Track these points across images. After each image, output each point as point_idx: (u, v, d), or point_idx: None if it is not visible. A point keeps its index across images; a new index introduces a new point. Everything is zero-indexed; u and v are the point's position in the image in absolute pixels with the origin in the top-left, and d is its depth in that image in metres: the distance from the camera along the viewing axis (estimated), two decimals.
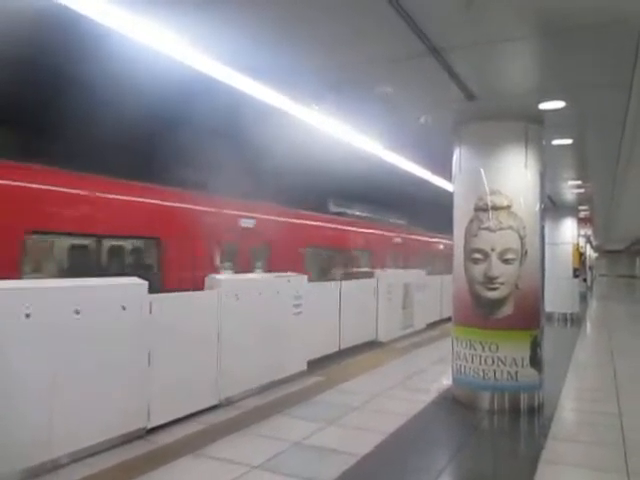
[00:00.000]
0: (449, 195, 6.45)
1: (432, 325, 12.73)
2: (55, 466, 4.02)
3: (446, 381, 6.64)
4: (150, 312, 4.89)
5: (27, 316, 3.87)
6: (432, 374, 7.65)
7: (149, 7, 3.59)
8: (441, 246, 20.55)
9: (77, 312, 4.23)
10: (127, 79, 6.13)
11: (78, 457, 4.18)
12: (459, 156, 6.24)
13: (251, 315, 6.25)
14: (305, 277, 7.60)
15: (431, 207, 15.59)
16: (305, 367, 7.34)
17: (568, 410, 6.11)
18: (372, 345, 9.86)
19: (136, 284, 4.93)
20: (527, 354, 5.73)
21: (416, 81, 4.98)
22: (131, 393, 4.72)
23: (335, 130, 6.53)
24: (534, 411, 5.76)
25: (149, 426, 4.84)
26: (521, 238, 5.76)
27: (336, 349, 8.84)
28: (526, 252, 5.77)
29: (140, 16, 3.70)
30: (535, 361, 5.78)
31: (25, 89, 6.45)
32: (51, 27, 4.77)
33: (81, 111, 6.45)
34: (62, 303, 4.17)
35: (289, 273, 7.53)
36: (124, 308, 4.65)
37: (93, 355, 4.37)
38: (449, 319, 6.77)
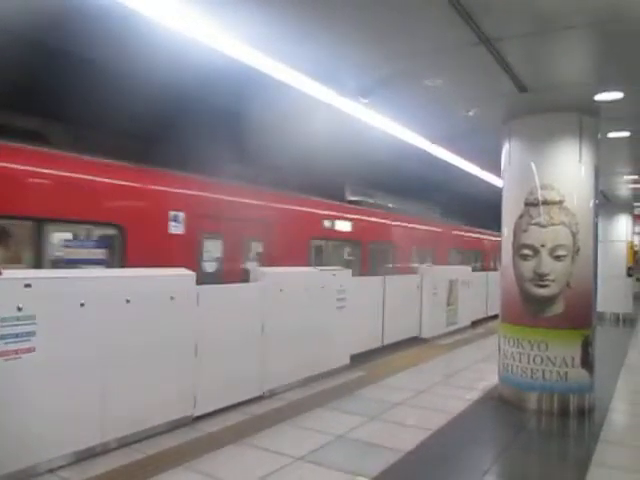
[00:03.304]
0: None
1: (477, 323, 12.51)
2: (105, 450, 4.15)
3: (492, 379, 6.51)
4: (197, 303, 4.98)
5: (82, 305, 4.01)
6: (477, 372, 7.51)
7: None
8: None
9: (127, 301, 4.36)
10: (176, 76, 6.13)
11: (127, 442, 4.31)
12: (509, 150, 6.08)
13: (295, 308, 6.29)
14: (349, 271, 7.59)
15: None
16: (348, 361, 7.34)
17: (620, 413, 5.90)
18: (415, 341, 9.77)
19: (184, 275, 5.03)
20: (578, 354, 5.55)
21: (466, 73, 4.87)
22: (179, 382, 4.83)
23: (382, 123, 6.46)
24: (584, 413, 5.58)
25: (195, 414, 4.94)
26: (573, 234, 5.58)
27: (379, 344, 8.80)
28: (578, 249, 5.59)
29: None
30: (586, 362, 5.60)
31: (44, 75, 6.46)
32: (72, 11, 4.75)
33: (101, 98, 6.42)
34: (114, 293, 4.30)
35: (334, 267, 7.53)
36: (172, 298, 4.75)
37: (143, 344, 4.50)
38: (495, 317, 6.63)
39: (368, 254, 11.32)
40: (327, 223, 9.99)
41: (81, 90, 6.29)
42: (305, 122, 7.10)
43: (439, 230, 15.39)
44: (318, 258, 9.84)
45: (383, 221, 12.48)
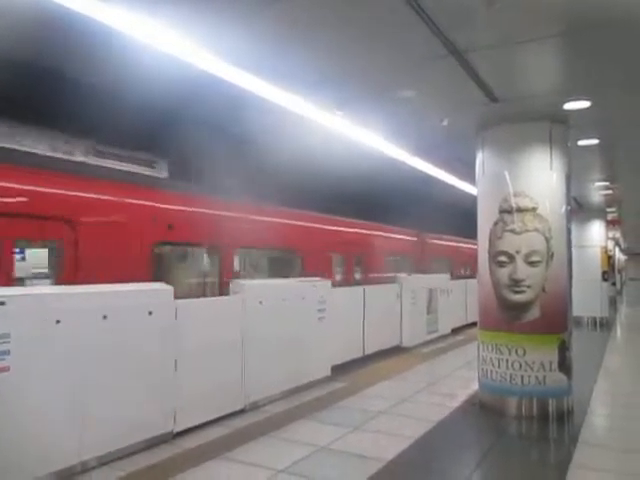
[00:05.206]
0: None
1: (457, 330, 12.61)
2: (84, 469, 4.09)
3: (472, 386, 6.56)
4: (176, 317, 4.95)
5: (57, 322, 3.96)
6: (458, 379, 7.56)
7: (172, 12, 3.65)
8: None
9: (105, 317, 4.31)
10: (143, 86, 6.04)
11: (107, 460, 4.24)
12: (482, 158, 6.19)
13: (275, 320, 6.28)
14: (329, 282, 7.61)
15: None
16: (329, 372, 7.33)
17: (598, 416, 5.98)
18: (396, 350, 9.80)
19: (162, 290, 5.00)
20: (555, 358, 5.63)
21: (438, 84, 4.96)
22: (159, 398, 4.78)
23: (358, 135, 6.53)
24: (563, 416, 5.65)
25: (176, 430, 4.88)
26: (547, 240, 5.68)
27: (360, 354, 8.80)
28: (552, 255, 5.69)
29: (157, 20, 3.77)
30: (564, 365, 5.68)
31: (23, 90, 6.37)
32: (48, 26, 4.68)
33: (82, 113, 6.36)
34: (91, 309, 4.25)
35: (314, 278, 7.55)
36: (150, 313, 4.72)
37: (121, 360, 4.45)
38: (474, 324, 6.70)
39: None
40: None
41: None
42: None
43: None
44: None
45: None
